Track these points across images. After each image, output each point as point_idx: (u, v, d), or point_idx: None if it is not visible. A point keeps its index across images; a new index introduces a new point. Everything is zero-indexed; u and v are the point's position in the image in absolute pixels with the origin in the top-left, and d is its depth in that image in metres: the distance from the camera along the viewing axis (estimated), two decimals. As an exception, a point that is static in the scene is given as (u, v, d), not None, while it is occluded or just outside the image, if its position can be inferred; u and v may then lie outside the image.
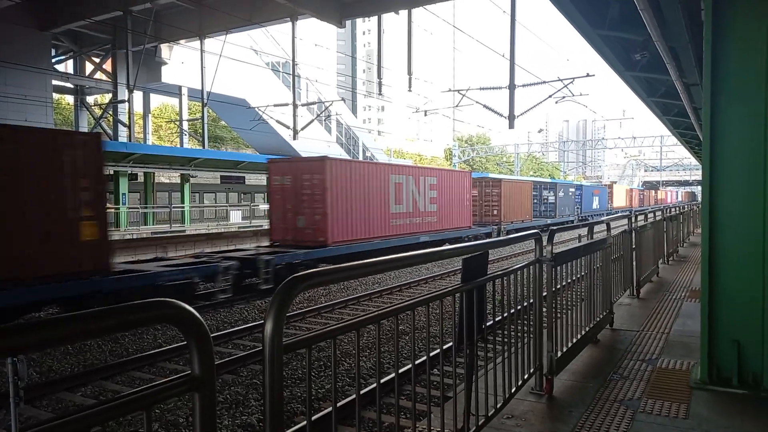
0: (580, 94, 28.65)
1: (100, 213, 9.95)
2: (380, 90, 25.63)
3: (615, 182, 69.33)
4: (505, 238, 3.60)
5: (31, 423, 1.07)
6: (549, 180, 47.89)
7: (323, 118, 39.82)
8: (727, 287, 4.07)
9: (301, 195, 15.68)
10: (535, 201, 34.18)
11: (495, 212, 27.79)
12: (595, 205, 46.27)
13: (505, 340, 3.45)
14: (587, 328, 4.83)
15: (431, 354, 6.87)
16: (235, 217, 34.28)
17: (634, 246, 7.29)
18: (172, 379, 1.32)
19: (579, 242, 4.96)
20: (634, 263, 7.54)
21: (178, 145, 38.61)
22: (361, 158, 47.95)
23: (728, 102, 4.03)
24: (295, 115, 27.90)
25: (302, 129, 28.88)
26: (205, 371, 1.34)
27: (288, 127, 29.03)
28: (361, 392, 6.09)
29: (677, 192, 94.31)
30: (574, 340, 4.47)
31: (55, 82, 29.11)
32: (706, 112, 4.09)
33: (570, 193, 40.09)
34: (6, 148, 8.74)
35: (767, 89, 3.88)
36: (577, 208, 41.12)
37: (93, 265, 9.79)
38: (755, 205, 3.95)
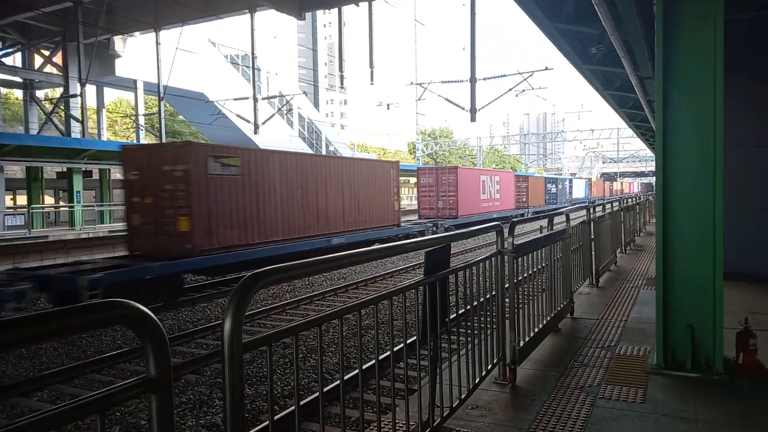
0: (540, 87, 29.43)
1: (399, 197, 20.82)
2: (342, 83, 25.53)
3: (591, 177, 73.09)
4: (466, 230, 3.62)
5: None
6: (553, 176, 58.59)
7: (285, 111, 39.35)
8: (681, 274, 4.20)
9: (440, 188, 26.25)
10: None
11: (524, 199, 38.52)
12: (580, 194, 57.58)
13: (469, 331, 3.48)
14: (549, 318, 4.92)
15: (395, 348, 6.88)
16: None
17: (592, 236, 7.46)
18: (127, 381, 1.27)
19: (540, 233, 5.03)
20: (593, 253, 7.72)
21: (134, 141, 37.61)
22: (323, 152, 47.66)
23: (680, 95, 4.15)
24: (255, 109, 27.51)
25: (263, 123, 28.51)
26: (161, 373, 1.30)
27: (248, 121, 28.60)
28: (326, 389, 6.08)
29: (636, 183, 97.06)
30: (536, 330, 4.55)
31: (2, 76, 27.95)
32: (659, 104, 4.20)
33: (564, 186, 50.77)
34: (372, 171, 19.16)
35: (716, 82, 4.01)
36: (569, 196, 51.27)
37: (396, 222, 20.52)
38: (706, 194, 4.08)
